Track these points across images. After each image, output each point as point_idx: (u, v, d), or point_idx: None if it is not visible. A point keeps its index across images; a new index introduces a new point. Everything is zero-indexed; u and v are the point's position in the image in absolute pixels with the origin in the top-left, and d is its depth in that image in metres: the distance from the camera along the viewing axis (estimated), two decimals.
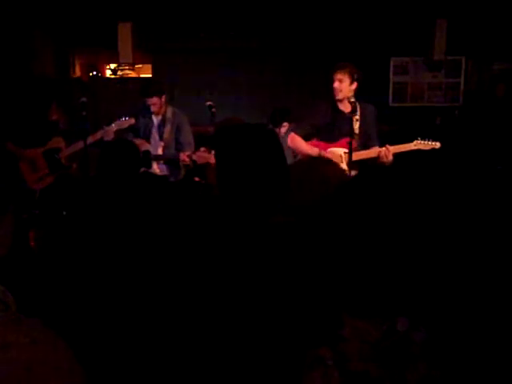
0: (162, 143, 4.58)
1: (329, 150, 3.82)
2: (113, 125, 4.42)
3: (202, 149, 4.37)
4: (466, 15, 6.47)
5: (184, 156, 4.37)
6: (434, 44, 6.56)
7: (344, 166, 3.69)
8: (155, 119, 4.61)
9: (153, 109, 4.52)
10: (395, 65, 7.08)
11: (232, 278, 1.34)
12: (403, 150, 3.77)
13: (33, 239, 3.72)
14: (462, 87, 7.06)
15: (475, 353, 0.87)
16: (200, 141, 4.70)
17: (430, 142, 3.80)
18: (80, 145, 4.25)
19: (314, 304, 1.01)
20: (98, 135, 4.38)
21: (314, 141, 3.88)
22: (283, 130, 5.08)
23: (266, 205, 1.48)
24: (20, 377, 0.90)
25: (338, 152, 3.75)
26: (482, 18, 6.49)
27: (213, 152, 4.25)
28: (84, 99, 4.24)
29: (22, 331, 0.94)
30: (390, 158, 3.67)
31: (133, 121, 4.45)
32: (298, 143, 3.80)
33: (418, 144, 3.78)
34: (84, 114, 4.16)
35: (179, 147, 4.60)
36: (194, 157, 4.31)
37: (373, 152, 3.75)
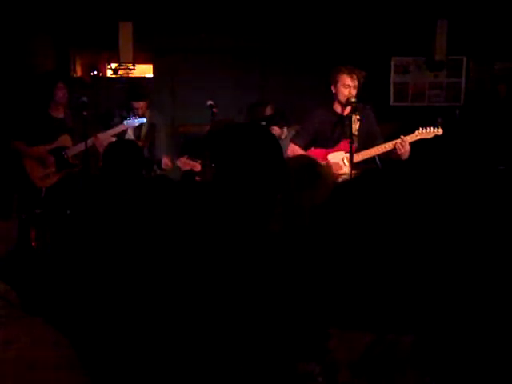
0: (139, 143, 4.60)
1: (329, 156, 3.76)
2: (125, 123, 4.48)
3: (185, 157, 4.37)
4: (467, 15, 6.46)
5: (167, 160, 4.43)
6: (435, 44, 6.55)
7: (347, 168, 3.65)
8: (135, 117, 4.65)
9: (139, 112, 4.60)
10: (396, 64, 7.07)
11: (226, 284, 1.33)
12: (408, 141, 3.69)
13: (34, 239, 3.72)
14: (463, 87, 7.05)
15: (466, 356, 0.86)
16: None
17: (432, 129, 3.72)
18: (88, 143, 4.29)
19: (303, 316, 1.00)
20: (110, 133, 4.47)
21: (313, 149, 3.83)
22: (273, 132, 5.04)
23: (263, 202, 1.48)
24: (21, 374, 0.90)
25: (340, 156, 3.69)
26: (483, 18, 6.49)
27: (198, 161, 4.28)
28: (85, 99, 4.27)
29: (24, 329, 0.94)
30: (408, 148, 3.57)
31: (144, 120, 4.53)
32: (297, 154, 3.75)
33: (420, 134, 3.70)
34: (85, 113, 4.19)
35: (151, 148, 4.68)
36: (178, 163, 4.37)
37: (384, 147, 3.66)
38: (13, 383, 0.89)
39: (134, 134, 4.70)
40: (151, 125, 4.71)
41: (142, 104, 4.62)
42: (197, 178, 4.45)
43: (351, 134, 3.49)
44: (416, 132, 3.70)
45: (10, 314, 0.97)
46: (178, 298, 1.38)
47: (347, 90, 3.63)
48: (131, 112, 4.65)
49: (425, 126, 3.78)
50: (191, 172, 4.64)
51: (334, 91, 3.73)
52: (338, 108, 3.77)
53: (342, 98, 3.67)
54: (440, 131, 3.72)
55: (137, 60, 6.64)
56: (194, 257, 1.43)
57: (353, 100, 3.61)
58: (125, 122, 4.50)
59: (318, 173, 2.08)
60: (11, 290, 1.02)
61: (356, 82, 3.64)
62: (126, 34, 6.36)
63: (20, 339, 0.93)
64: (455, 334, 0.88)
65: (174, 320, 1.36)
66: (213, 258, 1.39)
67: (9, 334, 0.92)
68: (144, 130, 4.70)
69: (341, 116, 3.73)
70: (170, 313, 1.38)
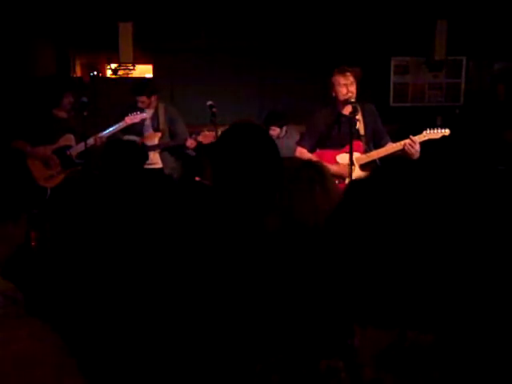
0: (159, 134, 4.77)
1: (337, 157, 3.76)
2: (126, 119, 4.53)
3: (206, 129, 4.56)
4: (466, 15, 6.47)
5: (190, 141, 4.60)
6: (434, 44, 6.56)
7: (357, 169, 3.65)
8: (147, 114, 4.77)
9: (140, 105, 4.75)
10: (396, 65, 7.07)
11: (231, 282, 1.34)
12: (417, 141, 3.70)
13: (33, 239, 3.72)
14: (462, 87, 7.06)
15: (486, 355, 0.86)
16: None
17: (439, 130, 3.76)
18: (90, 142, 4.33)
19: (324, 313, 1.01)
20: (112, 131, 4.55)
21: (321, 151, 3.83)
22: (272, 132, 5.07)
23: (261, 201, 1.48)
24: (20, 373, 0.90)
25: (348, 157, 3.62)
26: (482, 18, 6.49)
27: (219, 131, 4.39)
28: (85, 99, 4.29)
29: (25, 328, 0.95)
30: (417, 147, 3.57)
31: (145, 115, 4.61)
32: (305, 156, 3.74)
33: (427, 134, 3.72)
34: (85, 113, 4.21)
35: (173, 137, 4.81)
36: (200, 138, 4.56)
37: (393, 147, 3.67)
38: (13, 381, 0.89)
39: (152, 126, 4.80)
40: (170, 119, 4.83)
41: (141, 99, 4.72)
42: (196, 178, 4.47)
43: (351, 134, 3.49)
44: (424, 132, 3.72)
45: (13, 312, 0.97)
46: (179, 298, 1.38)
47: (344, 88, 3.66)
48: (137, 107, 4.76)
49: (425, 126, 3.79)
50: (191, 172, 4.67)
51: (334, 95, 3.76)
52: (340, 109, 3.78)
53: (342, 97, 3.69)
54: (447, 132, 3.73)
55: (137, 60, 6.64)
56: (193, 256, 1.43)
57: (352, 100, 3.61)
58: (126, 118, 4.57)
59: (324, 174, 2.08)
60: (17, 289, 1.02)
61: (351, 79, 3.67)
62: (125, 35, 6.37)
63: (20, 338, 0.93)
64: (474, 334, 0.88)
65: (177, 320, 1.36)
66: (212, 256, 1.39)
67: (9, 332, 0.93)
68: (162, 120, 4.82)
69: (344, 116, 3.73)
70: (170, 313, 1.38)
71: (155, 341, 1.40)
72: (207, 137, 4.51)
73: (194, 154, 4.83)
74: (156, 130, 4.78)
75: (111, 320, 1.64)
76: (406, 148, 3.59)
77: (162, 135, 4.76)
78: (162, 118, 4.80)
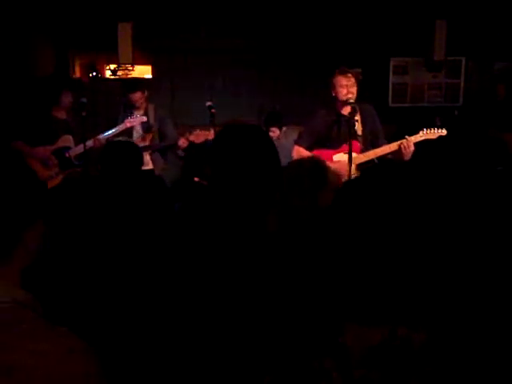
0: (150, 135, 4.75)
1: (334, 157, 3.77)
2: (126, 122, 4.53)
3: (198, 129, 4.53)
4: (465, 16, 6.47)
5: (182, 140, 4.58)
6: (433, 44, 6.56)
7: (354, 169, 3.66)
8: (138, 115, 4.73)
9: (136, 104, 4.71)
10: (395, 65, 7.07)
11: (230, 282, 1.33)
12: (413, 141, 3.72)
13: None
14: (462, 88, 7.06)
15: (477, 353, 0.86)
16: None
17: (436, 130, 3.77)
18: (89, 144, 4.33)
19: (314, 312, 1.01)
20: (112, 134, 4.55)
21: (318, 150, 3.83)
22: (272, 134, 5.08)
23: (261, 201, 1.48)
24: None
25: (345, 156, 3.62)
26: (482, 18, 6.49)
27: (211, 130, 4.39)
28: (84, 100, 4.29)
29: (53, 340, 0.94)
30: (412, 148, 3.62)
31: (144, 118, 4.61)
32: (303, 154, 3.73)
33: (424, 134, 3.74)
34: (83, 114, 4.21)
35: (163, 138, 4.81)
36: (191, 137, 4.54)
37: (389, 147, 3.69)
38: None
39: (142, 127, 4.77)
40: (160, 119, 4.80)
41: (137, 95, 4.67)
42: (195, 179, 4.47)
43: (350, 134, 3.50)
44: (420, 132, 3.74)
45: (40, 325, 0.96)
46: (179, 297, 1.38)
47: (344, 89, 3.68)
48: (131, 108, 4.73)
49: (424, 126, 3.80)
50: (190, 173, 4.67)
51: (334, 95, 3.77)
52: (340, 109, 3.80)
53: (342, 98, 3.70)
54: (444, 132, 3.75)
55: (136, 61, 6.64)
56: (192, 257, 1.43)
57: (351, 101, 3.63)
58: (126, 120, 4.56)
59: (327, 174, 2.09)
60: (35, 300, 1.02)
61: (352, 80, 3.68)
62: (125, 35, 6.36)
63: (51, 351, 0.92)
64: (465, 330, 0.88)
65: (174, 319, 1.36)
66: (211, 257, 1.39)
67: (39, 346, 0.91)
68: (152, 122, 4.79)
69: (343, 117, 3.74)
70: (168, 310, 1.38)
71: (153, 339, 1.40)
72: (199, 136, 4.48)
73: (183, 154, 4.80)
74: (146, 130, 4.76)
75: (110, 320, 1.64)
76: (402, 147, 3.62)
77: (153, 136, 4.75)
78: (152, 119, 4.78)
